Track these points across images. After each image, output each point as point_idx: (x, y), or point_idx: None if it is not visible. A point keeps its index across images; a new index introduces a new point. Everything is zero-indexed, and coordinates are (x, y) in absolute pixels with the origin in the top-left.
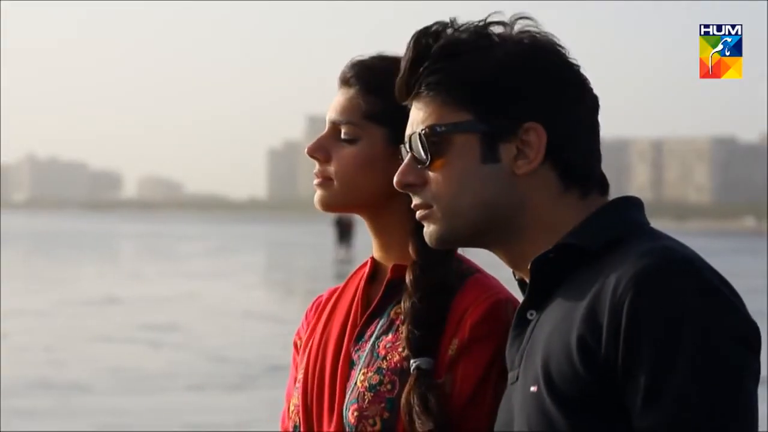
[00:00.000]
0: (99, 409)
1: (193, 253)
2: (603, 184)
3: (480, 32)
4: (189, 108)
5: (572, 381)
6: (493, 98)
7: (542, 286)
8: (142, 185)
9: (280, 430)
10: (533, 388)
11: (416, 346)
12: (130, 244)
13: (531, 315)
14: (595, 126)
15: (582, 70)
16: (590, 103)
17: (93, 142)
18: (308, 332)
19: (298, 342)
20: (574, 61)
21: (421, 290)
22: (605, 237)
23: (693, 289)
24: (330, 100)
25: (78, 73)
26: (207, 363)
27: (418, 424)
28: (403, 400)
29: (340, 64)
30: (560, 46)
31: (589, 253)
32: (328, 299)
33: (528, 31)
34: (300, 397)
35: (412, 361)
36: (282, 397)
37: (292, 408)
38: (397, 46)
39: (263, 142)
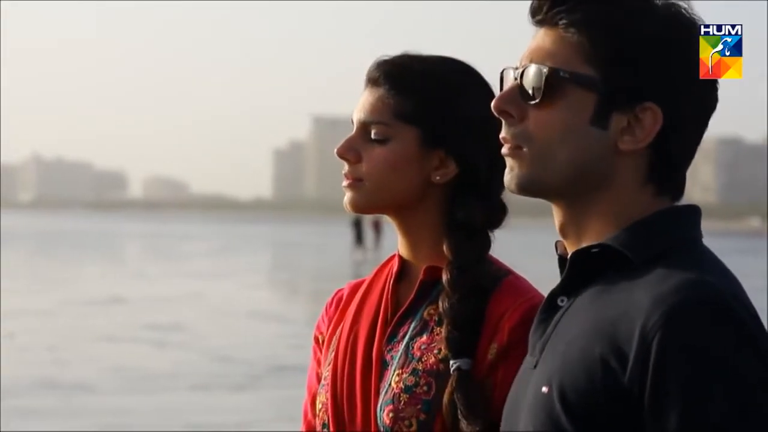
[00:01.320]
0: (102, 409)
1: (197, 253)
2: (679, 190)
3: None
4: (193, 108)
5: (586, 395)
6: (628, 65)
7: (578, 275)
8: (147, 185)
9: (302, 421)
10: (545, 389)
11: (456, 347)
12: (134, 244)
13: (562, 302)
14: (703, 131)
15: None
16: (710, 109)
17: (98, 142)
18: (331, 328)
19: (320, 337)
20: None
21: (459, 291)
22: (650, 251)
23: (725, 333)
24: (335, 100)
25: (80, 73)
26: (211, 363)
27: (464, 424)
28: (445, 400)
29: (345, 64)
30: None
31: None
32: (351, 294)
33: (685, 17)
34: (329, 395)
35: (451, 362)
36: (286, 399)
37: (319, 405)
38: (398, 45)
39: (268, 142)
